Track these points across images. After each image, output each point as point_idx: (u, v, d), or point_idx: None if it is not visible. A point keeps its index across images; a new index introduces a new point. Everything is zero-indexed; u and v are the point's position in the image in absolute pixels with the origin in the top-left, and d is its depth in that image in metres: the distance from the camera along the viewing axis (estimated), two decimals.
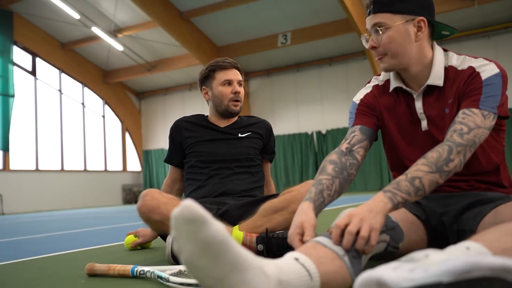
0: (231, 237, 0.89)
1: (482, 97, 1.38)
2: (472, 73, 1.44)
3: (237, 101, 2.28)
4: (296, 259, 1.04)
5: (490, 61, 1.45)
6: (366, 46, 1.52)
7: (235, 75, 2.28)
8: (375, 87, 1.66)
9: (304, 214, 1.27)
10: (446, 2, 10.28)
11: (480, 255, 0.93)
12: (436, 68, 1.49)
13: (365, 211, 1.15)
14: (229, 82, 2.26)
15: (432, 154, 1.28)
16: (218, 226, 0.86)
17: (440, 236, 1.53)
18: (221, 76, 2.27)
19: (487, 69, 1.42)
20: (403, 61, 1.47)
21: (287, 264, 1.02)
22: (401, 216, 1.46)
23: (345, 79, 13.56)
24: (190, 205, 0.85)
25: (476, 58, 1.48)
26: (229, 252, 0.87)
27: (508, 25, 11.42)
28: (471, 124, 1.34)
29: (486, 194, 1.49)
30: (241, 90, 2.30)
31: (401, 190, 1.22)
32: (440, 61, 1.50)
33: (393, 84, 1.58)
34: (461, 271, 0.79)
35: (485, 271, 0.80)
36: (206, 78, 2.33)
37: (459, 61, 1.50)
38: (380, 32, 1.43)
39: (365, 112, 1.62)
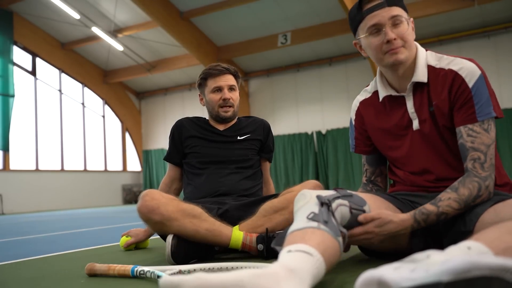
0: (210, 275, 0.88)
1: (477, 108, 1.42)
2: (455, 77, 1.46)
3: (227, 106, 2.29)
4: (289, 251, 1.07)
5: (468, 60, 1.47)
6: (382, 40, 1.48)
7: (226, 80, 2.29)
8: (362, 104, 1.71)
9: None
10: (446, 2, 10.28)
11: (480, 255, 0.93)
12: (420, 65, 1.53)
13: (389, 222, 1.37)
14: (218, 89, 2.29)
15: (464, 191, 1.39)
16: (194, 277, 0.86)
17: (437, 236, 1.53)
18: (211, 83, 2.30)
19: (469, 73, 1.44)
20: (413, 54, 1.52)
21: (287, 258, 1.03)
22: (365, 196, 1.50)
23: (345, 79, 13.55)
24: (164, 280, 0.88)
25: (454, 57, 1.51)
26: (219, 284, 0.86)
27: (508, 25, 11.41)
28: (482, 147, 1.41)
29: None
30: (233, 95, 2.31)
31: (426, 222, 1.40)
32: (423, 58, 1.54)
33: (382, 93, 1.61)
34: (460, 270, 0.79)
35: (484, 271, 0.80)
36: (200, 86, 2.38)
37: (437, 60, 1.54)
38: (406, 23, 1.47)
39: (362, 140, 1.73)
